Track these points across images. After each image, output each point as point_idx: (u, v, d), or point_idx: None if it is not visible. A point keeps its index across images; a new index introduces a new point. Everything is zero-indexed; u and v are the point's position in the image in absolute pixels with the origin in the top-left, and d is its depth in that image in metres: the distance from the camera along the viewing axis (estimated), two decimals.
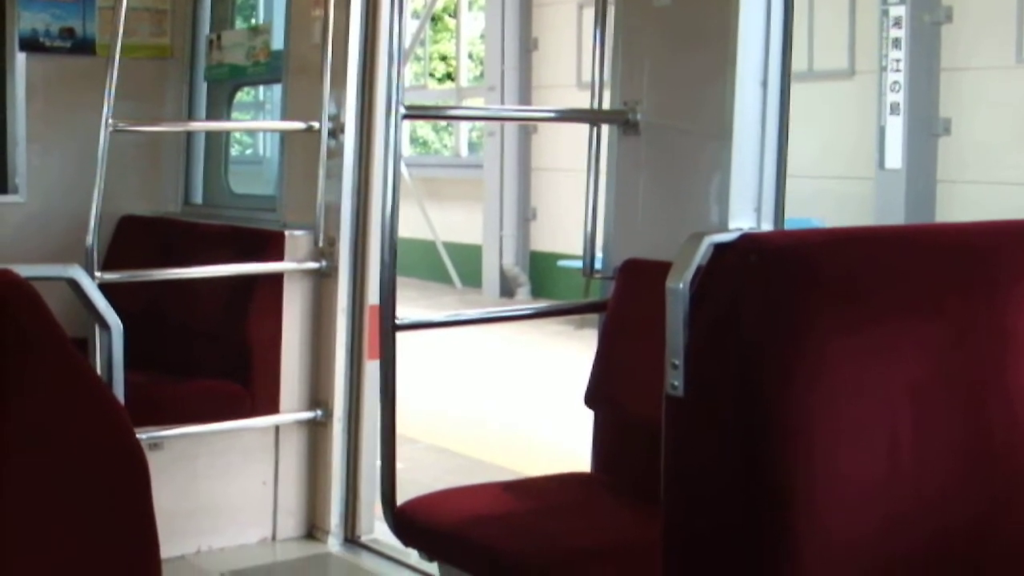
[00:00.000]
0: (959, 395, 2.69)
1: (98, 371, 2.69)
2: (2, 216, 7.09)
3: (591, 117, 4.94)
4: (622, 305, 4.58)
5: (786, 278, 2.45)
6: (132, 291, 5.89)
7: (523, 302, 17.24)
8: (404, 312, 4.44)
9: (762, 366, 2.41)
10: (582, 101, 5.41)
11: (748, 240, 2.47)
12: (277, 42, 6.63)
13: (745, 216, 4.31)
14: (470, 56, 21.02)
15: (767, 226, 4.35)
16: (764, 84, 4.41)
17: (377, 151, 5.86)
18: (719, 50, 4.42)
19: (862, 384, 2.51)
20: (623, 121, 4.72)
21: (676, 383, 2.48)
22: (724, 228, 4.27)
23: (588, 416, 4.81)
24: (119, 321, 2.71)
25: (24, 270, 2.35)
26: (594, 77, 4.93)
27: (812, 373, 2.43)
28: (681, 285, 2.46)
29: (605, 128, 4.89)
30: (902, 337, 2.62)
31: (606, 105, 4.89)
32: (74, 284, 2.63)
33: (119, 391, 2.63)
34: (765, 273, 2.43)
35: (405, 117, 4.25)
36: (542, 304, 5.72)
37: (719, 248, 2.50)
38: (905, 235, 3.00)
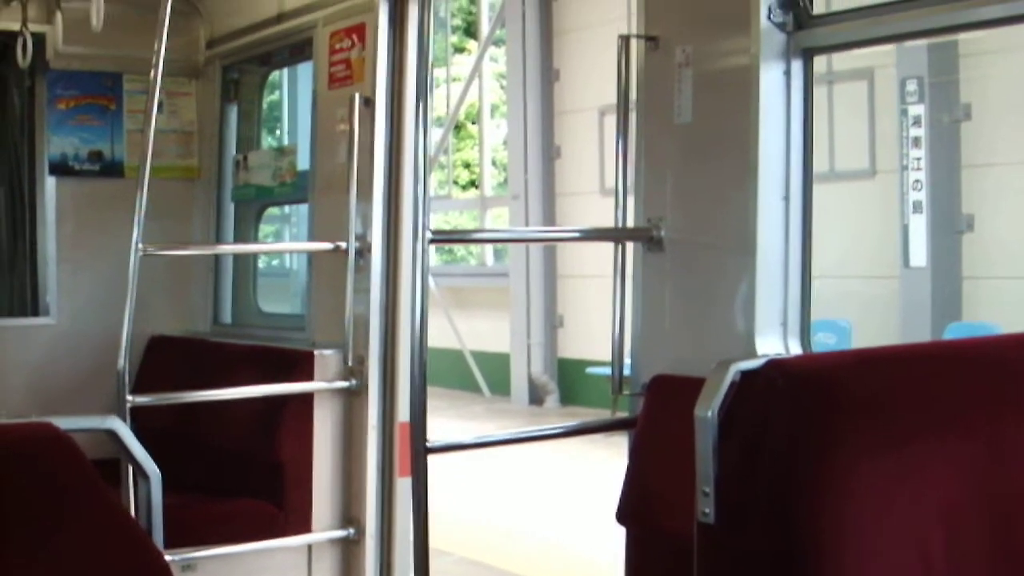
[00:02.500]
0: (991, 514, 2.68)
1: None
2: (33, 337, 7.16)
3: (616, 235, 4.96)
4: (652, 422, 4.59)
5: (813, 403, 2.47)
6: (163, 411, 5.92)
7: (552, 410, 17.24)
8: (434, 423, 4.45)
9: (791, 492, 2.42)
10: (606, 207, 5.44)
11: (774, 366, 2.49)
12: (303, 163, 6.71)
13: (771, 330, 4.33)
14: (493, 163, 21.15)
15: (794, 340, 4.36)
16: (786, 199, 4.44)
17: (404, 269, 5.90)
18: (740, 166, 4.46)
19: (893, 505, 2.52)
20: (647, 238, 4.76)
21: (707, 510, 2.49)
22: (750, 343, 4.28)
23: (619, 528, 4.80)
24: (157, 470, 2.74)
25: (63, 422, 2.38)
26: (617, 194, 4.97)
27: (842, 496, 2.44)
28: (710, 413, 2.48)
29: (630, 243, 4.93)
30: (932, 456, 2.62)
31: (631, 215, 4.92)
32: (113, 435, 2.66)
33: (158, 538, 2.65)
34: (792, 399, 2.45)
35: (432, 242, 4.30)
36: (572, 422, 5.70)
37: (746, 375, 2.52)
38: (932, 353, 3.01)
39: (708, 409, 2.50)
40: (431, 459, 4.44)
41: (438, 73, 21.96)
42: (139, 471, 2.72)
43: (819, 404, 2.49)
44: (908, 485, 2.55)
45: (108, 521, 2.33)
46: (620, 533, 4.81)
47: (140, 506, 2.70)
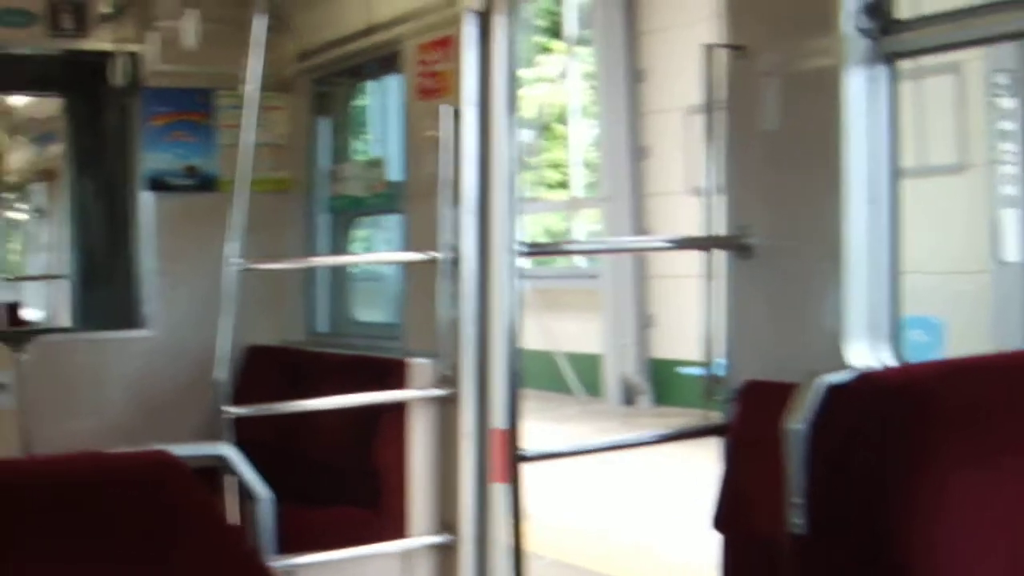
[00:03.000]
0: None
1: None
2: (132, 350, 7.30)
3: (706, 244, 5.00)
4: (745, 428, 4.61)
5: (903, 416, 2.49)
6: (260, 420, 6.01)
7: (645, 410, 17.23)
8: (527, 425, 4.50)
9: (882, 504, 2.44)
10: (694, 207, 5.47)
11: (864, 379, 2.52)
12: (393, 173, 6.79)
13: (861, 336, 4.32)
14: (583, 164, 21.15)
15: (884, 345, 4.37)
16: (874, 203, 4.45)
17: (496, 277, 5.94)
18: (827, 172, 4.47)
19: (985, 518, 2.52)
20: (737, 246, 4.79)
21: (798, 521, 2.53)
22: (841, 349, 4.30)
23: (714, 532, 4.83)
24: (269, 492, 2.81)
25: (178, 450, 2.45)
26: (706, 201, 5.00)
27: (933, 509, 2.45)
28: (799, 426, 2.52)
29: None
30: None
31: (721, 220, 4.94)
32: (224, 460, 2.74)
33: (270, 558, 2.72)
34: (882, 412, 2.47)
35: (524, 254, 4.35)
36: (664, 424, 5.74)
37: (836, 387, 2.54)
38: None
39: (798, 422, 2.54)
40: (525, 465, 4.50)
41: (525, 74, 21.98)
42: (250, 495, 2.79)
43: (909, 417, 2.51)
44: (1002, 498, 2.56)
45: (222, 545, 2.40)
46: (715, 537, 4.84)
47: (246, 521, 2.77)
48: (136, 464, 2.38)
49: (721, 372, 4.98)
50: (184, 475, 2.39)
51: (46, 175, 15.17)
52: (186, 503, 2.38)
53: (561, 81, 20.60)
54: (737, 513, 4.62)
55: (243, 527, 2.71)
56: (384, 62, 6.95)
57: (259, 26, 5.53)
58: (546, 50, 23.49)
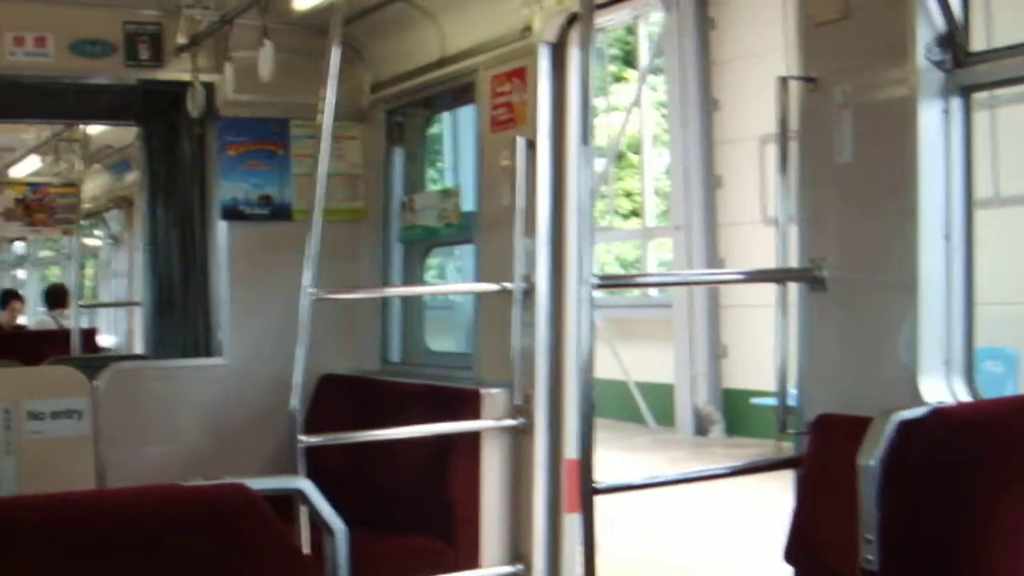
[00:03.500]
0: None
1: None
2: (206, 377, 7.34)
3: (779, 276, 4.99)
4: (818, 462, 4.59)
5: (976, 452, 2.48)
6: (333, 449, 6.03)
7: (717, 440, 17.17)
8: (599, 455, 4.49)
9: (955, 540, 2.43)
10: (767, 237, 5.45)
11: (937, 415, 2.51)
12: (467, 203, 6.81)
13: (935, 371, 4.30)
14: (655, 192, 21.14)
15: (958, 380, 4.34)
16: (948, 237, 4.44)
17: (569, 308, 5.95)
18: (901, 205, 4.46)
19: None
20: (810, 278, 4.78)
21: (871, 557, 2.52)
22: (914, 383, 4.27)
23: (785, 564, 4.81)
24: (344, 526, 2.83)
25: (255, 483, 2.47)
26: (779, 233, 5.00)
27: (1007, 546, 2.44)
28: (872, 462, 2.51)
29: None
30: None
31: (794, 251, 4.94)
32: (301, 494, 2.76)
33: None
34: (955, 449, 2.46)
35: (597, 287, 4.36)
36: (737, 456, 5.72)
37: (909, 422, 2.54)
38: None
39: (870, 458, 2.53)
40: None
41: (597, 103, 22.00)
42: (326, 528, 2.81)
43: (983, 454, 2.50)
44: None
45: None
46: (786, 570, 4.82)
47: (318, 550, 2.78)
48: (213, 497, 2.40)
49: (794, 404, 4.97)
50: (260, 508, 2.41)
51: (121, 203, 15.34)
52: (261, 536, 2.40)
53: (634, 110, 20.59)
54: (808, 546, 4.60)
55: (317, 558, 2.73)
56: (458, 93, 6.98)
57: (334, 57, 5.57)
58: (619, 79, 23.51)
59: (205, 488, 2.41)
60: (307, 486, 2.75)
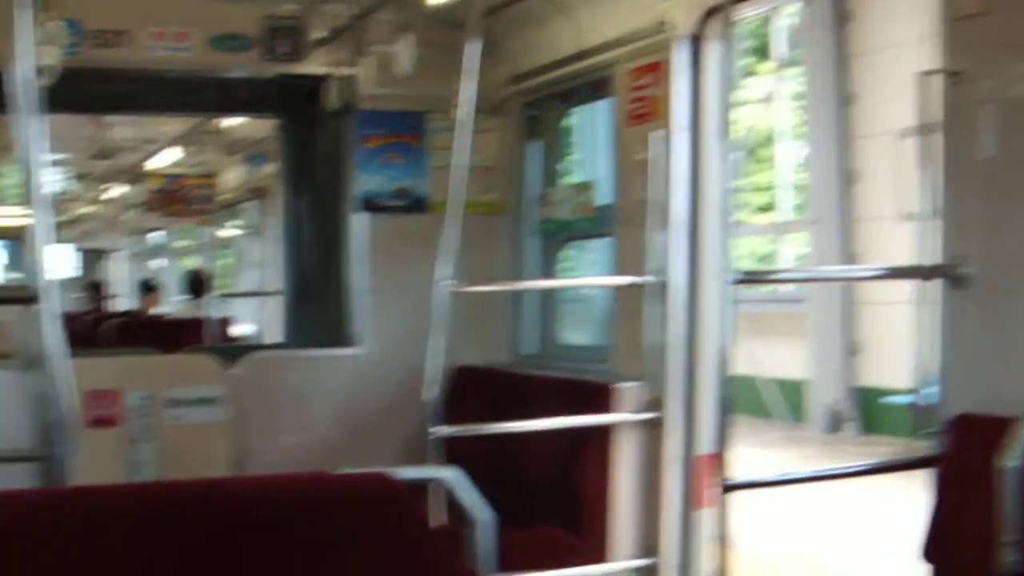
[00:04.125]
0: None
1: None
2: (342, 367, 7.42)
3: (920, 274, 4.93)
4: (956, 462, 4.53)
5: None
6: (465, 440, 6.05)
7: (849, 438, 17.01)
8: (732, 452, 4.47)
9: None
10: (905, 233, 5.38)
11: None
12: (602, 197, 6.81)
13: None
14: (790, 186, 20.95)
15: None
16: None
17: (705, 302, 5.91)
18: None
19: None
20: (953, 275, 4.72)
21: (1010, 559, 2.48)
22: None
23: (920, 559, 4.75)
24: (491, 515, 2.84)
25: (402, 472, 2.49)
26: (920, 228, 4.94)
27: None
28: (1014, 464, 2.47)
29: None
30: None
31: (934, 247, 4.87)
32: (448, 483, 2.77)
33: None
34: None
35: (735, 283, 4.34)
36: (871, 454, 5.67)
37: None
38: None
39: (1012, 460, 2.49)
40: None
41: (731, 96, 21.81)
42: (471, 517, 2.82)
43: None
44: None
45: (441, 567, 2.43)
46: (923, 569, 4.76)
47: (455, 539, 2.79)
48: (358, 485, 2.43)
49: (930, 402, 4.91)
50: (404, 498, 2.43)
51: (257, 194, 15.53)
52: (405, 525, 2.42)
53: (769, 103, 20.43)
54: (946, 546, 4.55)
55: (458, 547, 2.75)
56: (595, 86, 6.97)
57: (472, 51, 5.60)
58: (753, 72, 23.35)
59: (351, 476, 2.44)
60: (453, 475, 2.77)
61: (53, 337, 3.90)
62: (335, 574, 2.32)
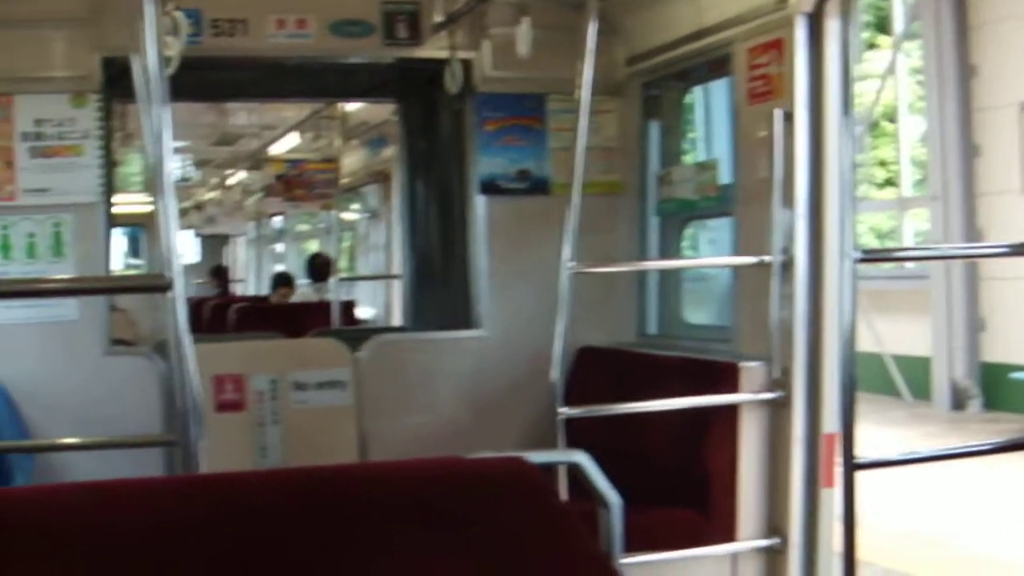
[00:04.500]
0: None
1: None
2: (466, 349, 7.47)
3: None
4: None
5: None
6: (589, 420, 6.07)
7: (974, 415, 16.83)
8: (856, 430, 4.46)
9: None
10: None
11: None
12: (724, 176, 6.80)
13: None
14: (911, 161, 20.74)
15: None
16: None
17: (828, 281, 5.88)
18: None
19: None
20: None
21: None
22: None
23: None
24: (619, 499, 2.87)
25: (532, 456, 2.52)
26: None
27: None
28: None
29: None
30: None
31: None
32: (577, 467, 2.80)
33: (617, 563, 2.78)
34: None
35: (859, 261, 4.32)
36: (997, 433, 5.63)
37: None
38: None
39: None
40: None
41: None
42: (601, 500, 2.85)
43: None
44: None
45: (576, 551, 2.46)
46: None
47: (603, 534, 2.82)
48: (494, 470, 2.46)
49: None
50: (539, 482, 2.46)
51: (378, 177, 15.66)
52: (543, 510, 2.45)
53: (888, 77, 20.22)
54: None
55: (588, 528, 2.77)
56: (714, 65, 6.95)
57: (591, 32, 5.61)
58: (872, 46, 23.14)
59: (487, 461, 2.46)
60: (584, 459, 2.80)
61: (181, 323, 3.97)
62: (475, 558, 2.34)
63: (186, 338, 3.97)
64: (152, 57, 3.99)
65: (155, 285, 4.02)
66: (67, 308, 6.70)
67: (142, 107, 4.05)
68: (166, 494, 2.64)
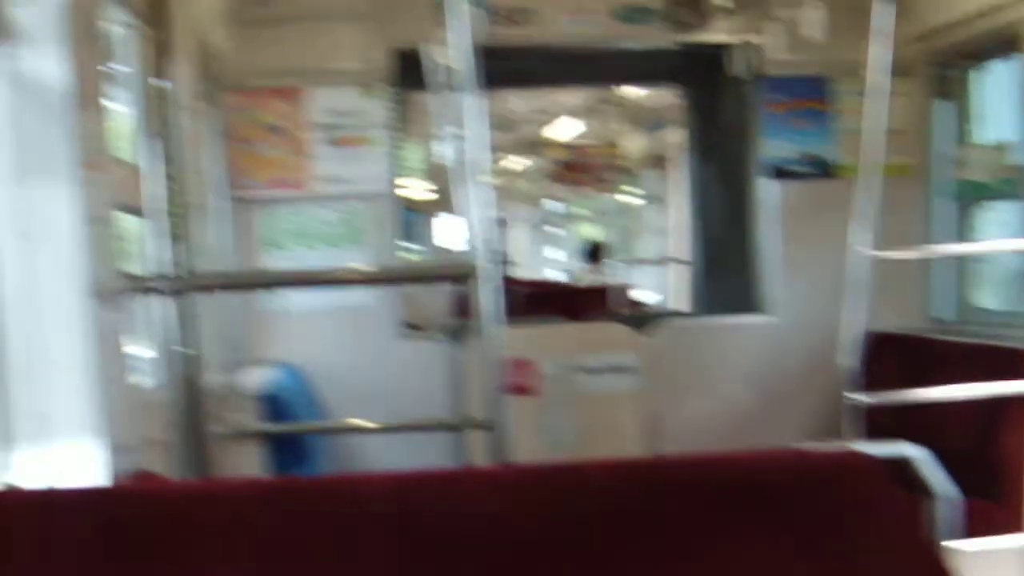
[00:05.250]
0: None
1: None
2: (755, 334, 7.44)
3: None
4: None
5: None
6: (879, 407, 5.97)
7: None
8: None
9: None
10: None
11: None
12: (1018, 157, 6.63)
13: None
14: None
15: None
16: None
17: None
18: None
19: None
20: None
21: None
22: None
23: None
24: (955, 493, 2.82)
25: (870, 448, 2.48)
26: None
27: None
28: None
29: None
30: None
31: None
32: (913, 460, 2.76)
33: (946, 560, 2.72)
34: None
35: None
36: None
37: None
38: None
39: None
40: None
41: None
42: (932, 494, 2.80)
43: None
44: None
45: (913, 544, 2.41)
46: None
47: (936, 528, 2.77)
48: (837, 463, 2.43)
49: None
50: (878, 473, 2.42)
51: (657, 161, 15.62)
52: (881, 502, 2.41)
53: None
54: None
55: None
56: (1003, 44, 6.78)
57: (882, 12, 5.52)
58: None
59: (827, 454, 2.44)
60: (916, 452, 2.76)
61: (489, 310, 4.02)
62: (824, 554, 2.33)
63: (494, 324, 4.02)
64: (459, 48, 4.06)
65: (462, 273, 4.09)
66: (365, 294, 6.88)
67: (435, 98, 4.13)
68: (522, 481, 2.59)
